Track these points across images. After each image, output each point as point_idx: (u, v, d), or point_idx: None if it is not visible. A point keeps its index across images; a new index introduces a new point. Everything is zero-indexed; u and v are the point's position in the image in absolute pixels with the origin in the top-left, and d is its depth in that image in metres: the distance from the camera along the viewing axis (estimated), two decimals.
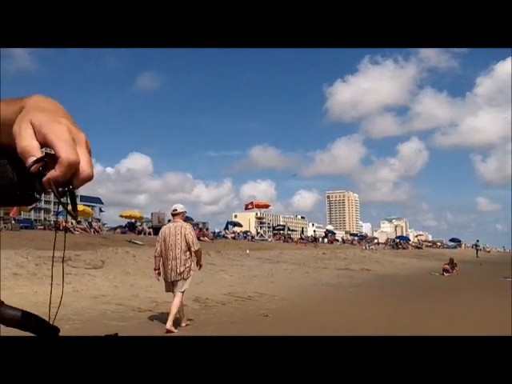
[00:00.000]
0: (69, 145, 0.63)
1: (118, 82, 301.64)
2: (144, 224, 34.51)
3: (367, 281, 16.96)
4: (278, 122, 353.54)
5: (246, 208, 48.29)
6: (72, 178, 0.63)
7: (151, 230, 31.28)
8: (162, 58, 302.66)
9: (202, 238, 29.35)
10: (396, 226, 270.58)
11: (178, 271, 6.96)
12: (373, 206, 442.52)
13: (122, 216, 36.04)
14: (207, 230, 35.75)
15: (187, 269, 7.03)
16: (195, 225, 38.62)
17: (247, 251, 22.15)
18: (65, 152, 0.62)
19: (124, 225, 33.41)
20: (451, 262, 23.01)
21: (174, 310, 6.90)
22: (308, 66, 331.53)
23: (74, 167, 0.63)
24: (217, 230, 39.32)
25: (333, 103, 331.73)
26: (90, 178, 0.65)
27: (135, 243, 19.84)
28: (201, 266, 7.37)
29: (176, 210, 7.35)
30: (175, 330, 6.87)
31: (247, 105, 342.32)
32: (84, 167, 0.64)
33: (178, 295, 6.98)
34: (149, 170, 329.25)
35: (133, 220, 33.66)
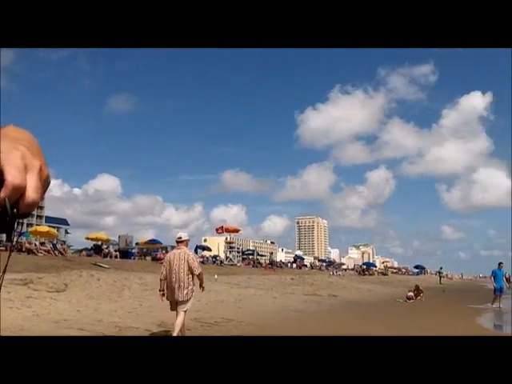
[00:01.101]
0: (17, 170, 0.66)
1: (91, 103, 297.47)
2: (111, 247, 33.93)
3: (334, 307, 16.99)
4: (250, 147, 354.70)
5: (217, 232, 47.90)
6: (18, 203, 0.66)
7: (118, 252, 30.77)
8: (136, 79, 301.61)
9: None
10: (363, 253, 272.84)
11: (182, 292, 7.75)
12: (341, 233, 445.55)
13: (88, 238, 35.33)
14: None
15: (190, 290, 7.85)
16: (164, 248, 38.09)
17: (215, 276, 21.96)
18: (11, 176, 0.65)
19: (90, 247, 32.79)
20: (417, 289, 23.20)
21: (176, 329, 7.72)
22: (280, 93, 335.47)
23: (18, 191, 0.66)
24: None
25: (304, 130, 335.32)
26: (35, 204, 0.68)
27: (101, 266, 19.48)
28: (203, 288, 8.18)
29: (181, 237, 8.10)
30: None
31: (220, 129, 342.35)
32: (30, 193, 0.67)
33: (181, 314, 7.81)
34: (118, 192, 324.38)
35: (99, 242, 33.06)
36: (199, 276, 7.89)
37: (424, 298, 22.38)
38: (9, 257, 0.76)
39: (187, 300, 7.80)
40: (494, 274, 20.20)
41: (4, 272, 0.81)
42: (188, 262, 7.78)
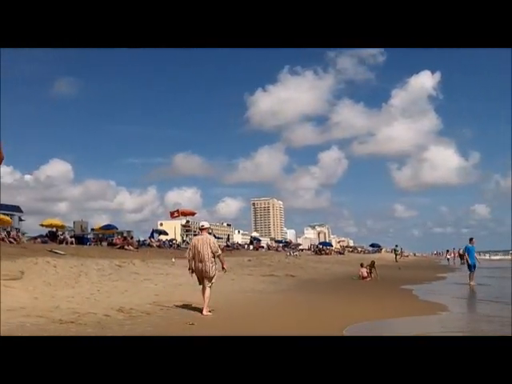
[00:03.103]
0: None
1: (39, 87, 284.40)
2: (66, 233, 33.31)
3: (291, 286, 17.39)
4: (200, 129, 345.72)
5: (172, 216, 47.33)
6: None
7: (73, 239, 30.28)
8: (84, 63, 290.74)
9: (126, 247, 28.73)
10: (319, 233, 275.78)
11: (206, 270, 9.63)
12: (296, 213, 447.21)
13: (42, 225, 34.52)
14: (132, 238, 34.97)
15: (212, 268, 9.69)
16: (119, 233, 37.64)
17: (173, 259, 21.98)
18: None
19: (45, 234, 32.11)
20: (372, 265, 22.45)
21: (206, 300, 9.66)
22: (229, 74, 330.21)
23: None
24: (142, 239, 38.51)
25: (254, 112, 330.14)
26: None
27: (56, 253, 19.20)
28: (224, 269, 10.07)
29: (203, 225, 10.05)
30: (209, 313, 9.52)
31: (170, 113, 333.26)
32: None
33: (208, 289, 9.70)
34: (69, 177, 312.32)
35: (54, 229, 32.41)
36: (220, 257, 9.78)
37: (377, 276, 22.03)
38: None
39: (212, 276, 9.68)
40: (468, 251, 19.57)
41: None
42: (210, 245, 9.64)
